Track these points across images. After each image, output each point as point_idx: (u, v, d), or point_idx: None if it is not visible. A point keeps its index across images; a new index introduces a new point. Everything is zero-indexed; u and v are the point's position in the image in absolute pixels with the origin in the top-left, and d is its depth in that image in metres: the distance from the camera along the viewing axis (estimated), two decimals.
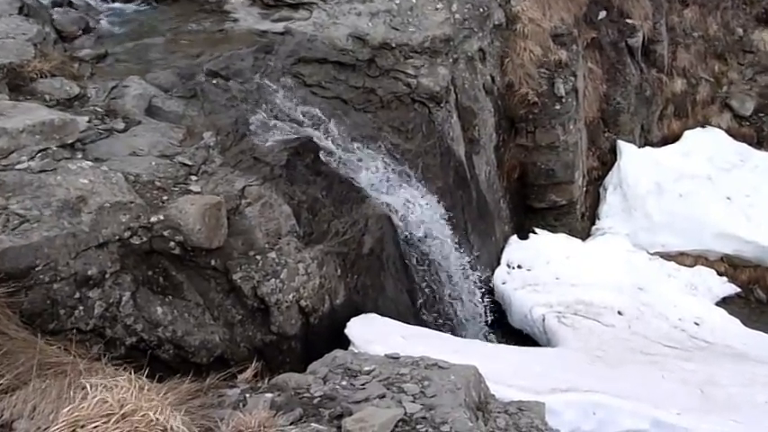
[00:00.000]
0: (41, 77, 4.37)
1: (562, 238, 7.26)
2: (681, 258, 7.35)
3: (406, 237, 5.27)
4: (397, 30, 5.81)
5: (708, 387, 4.70)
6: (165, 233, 3.76)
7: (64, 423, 2.10)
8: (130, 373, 2.42)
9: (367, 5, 5.81)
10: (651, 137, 8.75)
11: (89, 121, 4.16)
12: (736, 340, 5.96)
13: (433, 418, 2.67)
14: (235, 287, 4.03)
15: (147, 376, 2.53)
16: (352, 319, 4.54)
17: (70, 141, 3.92)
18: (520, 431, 2.93)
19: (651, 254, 7.27)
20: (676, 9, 9.04)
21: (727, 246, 7.36)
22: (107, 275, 3.56)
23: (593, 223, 7.93)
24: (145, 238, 3.72)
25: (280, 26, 5.42)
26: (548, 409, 3.27)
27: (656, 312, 6.11)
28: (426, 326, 5.26)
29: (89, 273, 3.49)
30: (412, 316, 5.29)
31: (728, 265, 7.39)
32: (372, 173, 5.18)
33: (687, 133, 8.54)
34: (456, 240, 5.67)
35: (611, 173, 8.12)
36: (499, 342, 5.93)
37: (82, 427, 2.08)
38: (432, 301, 5.51)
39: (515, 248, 7.01)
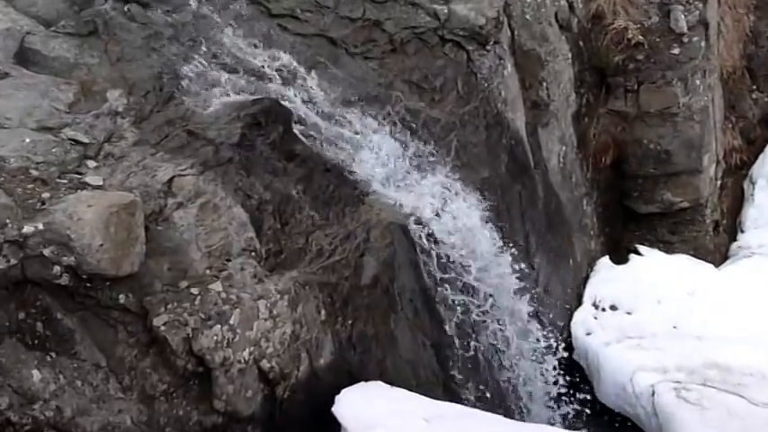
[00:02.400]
0: None
1: (682, 261, 7.28)
2: None
3: (431, 257, 5.31)
4: None
5: None
6: (47, 252, 3.77)
7: None
8: None
9: None
10: None
11: None
12: None
13: None
14: (157, 338, 4.05)
15: None
16: (345, 391, 4.53)
17: None
18: None
19: None
20: None
21: None
22: None
23: (734, 238, 8.01)
24: (13, 261, 3.73)
25: None
26: None
27: None
28: (462, 402, 5.29)
29: None
30: (440, 386, 5.33)
31: None
32: (376, 155, 5.25)
33: None
34: (511, 264, 5.71)
35: (762, 157, 8.17)
36: (579, 428, 5.96)
37: None
38: (472, 362, 5.55)
39: (606, 278, 7.02)
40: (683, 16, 7.12)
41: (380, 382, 4.73)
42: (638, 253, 7.31)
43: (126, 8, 4.90)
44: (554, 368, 6.06)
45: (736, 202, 8.13)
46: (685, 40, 7.16)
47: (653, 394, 5.88)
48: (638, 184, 7.49)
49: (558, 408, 6.16)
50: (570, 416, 6.20)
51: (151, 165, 4.33)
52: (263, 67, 5.12)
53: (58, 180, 4.05)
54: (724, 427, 5.51)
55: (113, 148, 4.35)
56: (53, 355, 3.89)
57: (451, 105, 5.84)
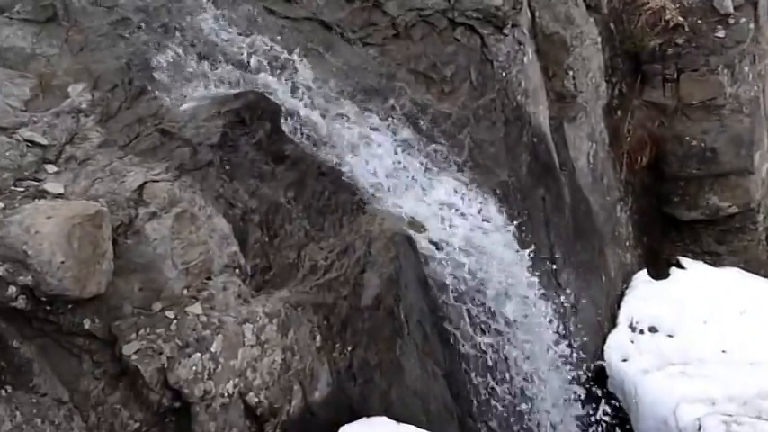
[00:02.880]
0: None
1: (731, 275, 7.26)
2: None
3: (443, 275, 5.28)
4: None
5: None
6: (0, 271, 3.74)
7: None
8: None
9: None
10: None
11: None
12: None
13: None
14: (127, 369, 4.01)
15: None
16: (344, 428, 4.55)
17: None
18: None
19: None
20: None
21: None
22: None
23: None
24: None
25: None
26: None
27: None
28: None
29: None
30: (454, 421, 5.32)
31: None
32: (378, 156, 5.24)
33: None
34: (535, 281, 5.68)
35: None
36: None
37: None
38: (490, 393, 5.52)
39: (644, 295, 7.02)
40: None
41: (385, 418, 4.73)
42: (680, 266, 7.32)
43: None
44: (585, 400, 6.03)
45: None
46: (731, 21, 7.18)
47: (699, 429, 5.85)
48: (680, 188, 7.53)
49: None
50: None
51: (119, 169, 4.31)
52: (247, 55, 5.11)
53: (12, 188, 4.02)
54: None
55: (76, 151, 4.32)
56: (8, 389, 3.83)
57: (464, 98, 5.87)
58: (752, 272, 7.46)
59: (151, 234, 4.20)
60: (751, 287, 7.18)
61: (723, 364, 6.30)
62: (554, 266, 6.27)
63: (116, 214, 4.12)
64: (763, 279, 7.40)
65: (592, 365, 6.34)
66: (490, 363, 5.50)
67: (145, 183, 4.30)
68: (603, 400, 6.28)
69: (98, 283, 3.93)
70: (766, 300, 7.03)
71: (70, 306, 3.90)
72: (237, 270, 4.46)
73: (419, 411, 5.06)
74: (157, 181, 4.35)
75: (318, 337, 4.67)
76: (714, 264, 7.44)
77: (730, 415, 5.82)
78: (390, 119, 5.48)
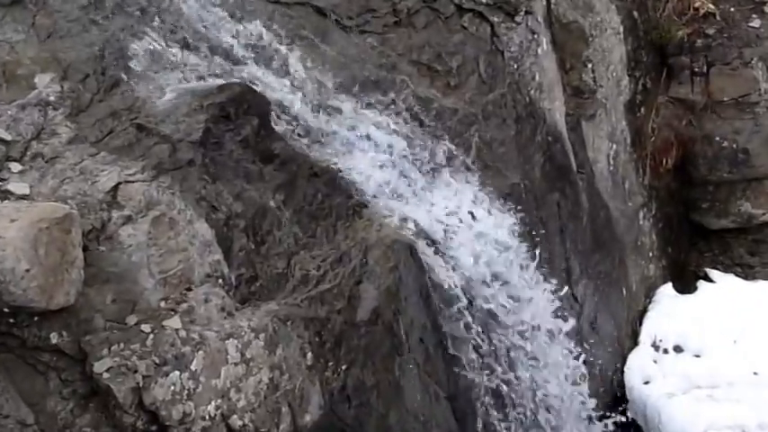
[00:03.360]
0: None
1: (765, 290, 7.30)
2: None
3: (448, 289, 5.31)
4: None
5: None
6: None
7: None
8: None
9: None
10: None
11: None
12: None
13: None
14: (98, 388, 4.01)
15: None
16: None
17: None
18: None
19: None
20: None
21: None
22: None
23: None
24: None
25: None
26: None
27: None
28: None
29: None
30: None
31: None
32: (376, 155, 5.27)
33: None
34: (547, 294, 5.70)
35: None
36: None
37: None
38: (498, 419, 5.52)
39: (669, 311, 7.03)
40: None
41: None
42: (708, 279, 7.33)
43: None
44: (604, 426, 6.04)
45: None
46: (767, 9, 7.17)
47: None
48: (709, 193, 7.53)
49: None
50: None
51: (91, 168, 4.31)
52: (232, 44, 5.13)
53: None
54: None
55: (43, 148, 4.33)
56: None
57: (471, 92, 5.88)
58: None
59: (126, 240, 4.21)
60: None
61: (754, 388, 6.33)
62: (570, 278, 6.29)
63: (87, 218, 4.13)
64: None
65: (611, 388, 6.33)
66: (501, 385, 5.53)
67: (119, 183, 4.31)
68: (623, 427, 6.28)
69: (66, 293, 3.93)
70: None
71: (36, 319, 3.90)
72: (221, 280, 4.46)
73: None
74: (133, 181, 4.35)
75: (309, 355, 4.66)
76: (746, 277, 7.41)
77: None
78: (391, 114, 5.48)
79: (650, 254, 7.35)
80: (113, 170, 4.36)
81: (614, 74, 6.88)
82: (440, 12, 5.90)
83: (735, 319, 6.95)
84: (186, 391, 4.13)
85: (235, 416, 4.29)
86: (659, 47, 7.32)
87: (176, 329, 4.20)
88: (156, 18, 5.05)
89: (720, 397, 6.31)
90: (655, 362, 6.66)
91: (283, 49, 5.29)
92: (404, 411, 5.06)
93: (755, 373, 6.50)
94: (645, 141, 7.29)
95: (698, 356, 6.69)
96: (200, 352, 4.21)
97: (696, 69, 7.28)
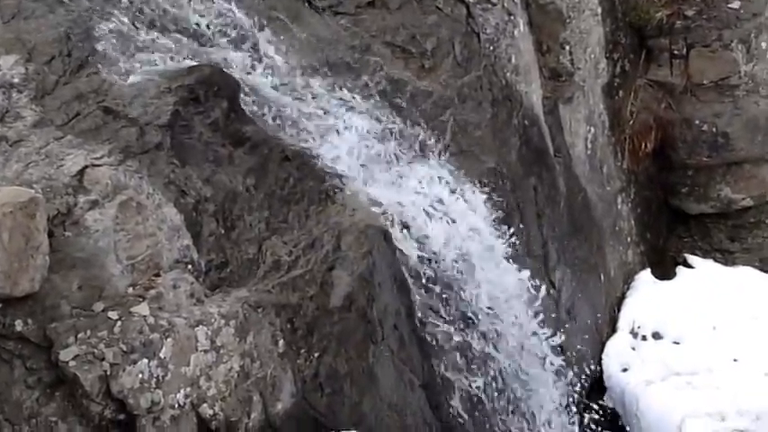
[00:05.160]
0: None
1: (745, 275, 7.33)
2: None
3: (422, 274, 5.32)
4: None
5: None
6: None
7: None
8: None
9: None
10: None
11: None
12: None
13: None
14: (65, 377, 4.00)
15: None
16: None
17: None
18: None
19: None
20: None
21: None
22: None
23: None
24: None
25: None
26: None
27: None
28: None
29: None
30: None
31: None
32: (349, 139, 5.26)
33: None
34: (526, 282, 5.71)
35: None
36: None
37: None
38: (473, 407, 5.53)
39: (648, 297, 7.06)
40: None
41: None
42: (687, 265, 7.36)
43: None
44: (580, 414, 6.07)
45: None
46: None
47: None
48: (688, 177, 7.56)
49: None
50: None
51: (57, 152, 4.30)
52: (201, 24, 5.12)
53: None
54: None
55: (7, 131, 4.31)
56: None
57: (447, 75, 5.88)
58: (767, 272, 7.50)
59: (92, 225, 4.20)
60: (766, 289, 7.22)
61: (734, 375, 6.34)
62: (547, 264, 6.30)
63: (52, 202, 4.12)
64: None
65: (588, 375, 6.36)
66: (476, 372, 5.54)
67: (85, 167, 4.30)
68: (600, 415, 6.30)
69: (31, 279, 3.93)
70: None
71: None
72: (190, 266, 4.46)
73: (394, 426, 5.08)
74: (99, 165, 4.34)
75: (281, 342, 4.66)
76: (726, 262, 7.45)
77: (741, 431, 5.88)
78: (364, 97, 5.47)
79: (628, 239, 7.39)
80: (79, 154, 4.35)
81: (592, 56, 6.89)
82: None
83: (714, 305, 6.98)
84: (155, 380, 4.12)
85: (205, 404, 4.29)
86: (638, 28, 7.34)
87: (144, 316, 4.19)
88: None
89: (700, 384, 6.33)
90: (633, 349, 6.69)
91: (254, 30, 5.27)
92: (378, 399, 5.06)
93: (735, 360, 6.53)
94: (623, 125, 7.31)
95: (677, 343, 6.72)
96: (169, 339, 4.20)
97: (675, 52, 7.30)
